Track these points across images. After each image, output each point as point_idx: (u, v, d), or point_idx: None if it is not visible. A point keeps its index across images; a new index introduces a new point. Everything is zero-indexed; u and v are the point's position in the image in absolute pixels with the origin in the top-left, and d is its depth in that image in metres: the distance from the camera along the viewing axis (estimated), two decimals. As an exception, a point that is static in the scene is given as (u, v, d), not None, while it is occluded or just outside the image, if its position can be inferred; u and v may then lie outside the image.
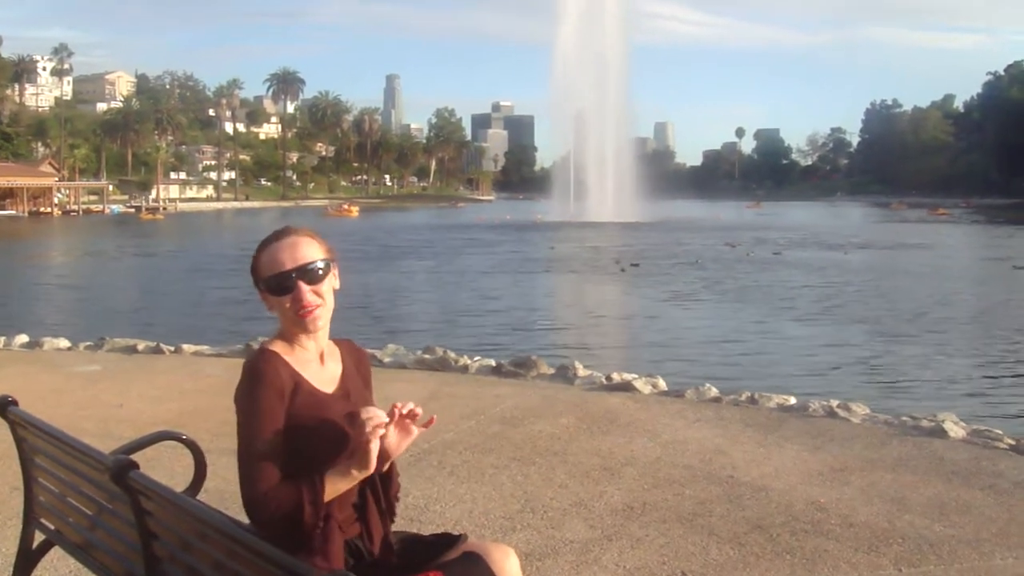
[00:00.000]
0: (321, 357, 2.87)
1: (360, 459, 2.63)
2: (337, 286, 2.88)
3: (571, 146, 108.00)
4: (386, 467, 2.84)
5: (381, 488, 2.86)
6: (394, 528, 3.02)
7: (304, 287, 2.75)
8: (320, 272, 2.79)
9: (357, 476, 2.67)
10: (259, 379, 2.67)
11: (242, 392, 2.69)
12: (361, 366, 3.03)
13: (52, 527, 3.65)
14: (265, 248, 2.82)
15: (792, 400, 8.84)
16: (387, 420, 2.65)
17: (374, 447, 2.61)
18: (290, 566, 2.21)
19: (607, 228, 71.94)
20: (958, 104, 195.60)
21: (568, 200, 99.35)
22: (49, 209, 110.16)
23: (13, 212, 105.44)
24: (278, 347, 2.79)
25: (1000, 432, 7.71)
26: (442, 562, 2.80)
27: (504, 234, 66.63)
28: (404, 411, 2.74)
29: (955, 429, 7.68)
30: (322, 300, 2.79)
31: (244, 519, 2.78)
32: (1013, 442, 7.39)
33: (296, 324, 2.78)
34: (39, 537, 3.76)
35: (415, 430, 2.78)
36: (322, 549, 2.69)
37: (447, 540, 2.91)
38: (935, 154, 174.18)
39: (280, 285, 2.76)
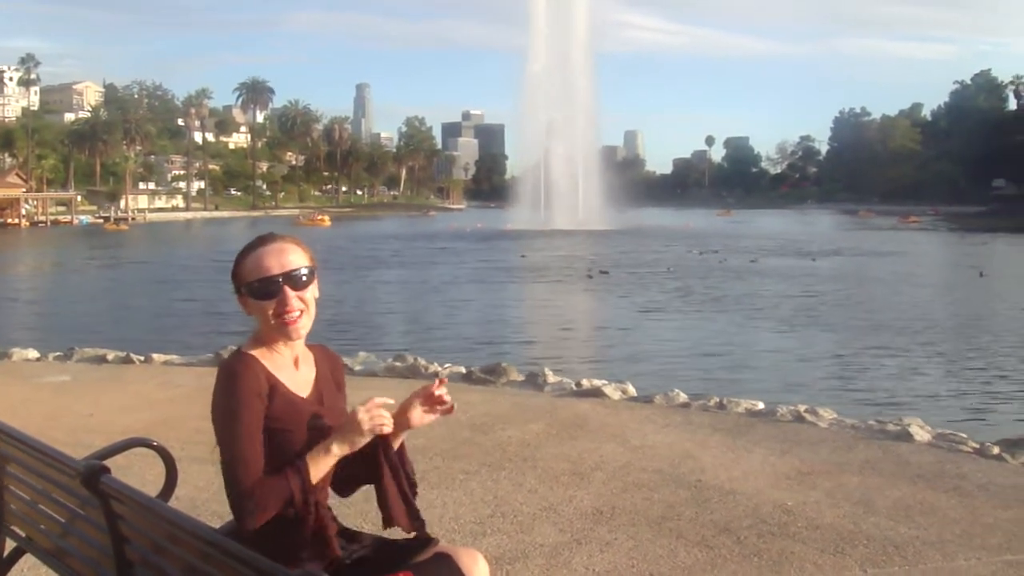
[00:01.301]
0: (296, 362, 2.90)
1: (345, 438, 2.70)
2: (317, 295, 2.91)
3: (540, 154, 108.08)
4: (398, 443, 2.95)
5: (400, 462, 2.95)
6: (366, 532, 3.07)
7: (290, 292, 2.78)
8: (304, 279, 2.82)
9: (338, 454, 2.72)
10: (237, 381, 2.69)
11: (220, 394, 2.70)
12: (335, 371, 3.06)
13: (23, 535, 3.66)
14: (251, 252, 2.83)
15: (760, 405, 8.92)
16: (390, 422, 2.74)
17: (367, 438, 2.72)
18: (261, 566, 2.23)
19: (577, 236, 72.17)
20: (926, 112, 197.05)
21: (538, 208, 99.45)
22: (16, 220, 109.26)
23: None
24: (255, 351, 2.81)
25: (965, 436, 7.82)
26: (413, 563, 2.83)
27: (475, 243, 66.77)
28: (438, 393, 2.89)
29: (921, 433, 7.77)
30: (305, 306, 2.82)
31: (215, 524, 2.81)
32: (977, 445, 7.49)
33: (277, 330, 2.80)
34: (10, 545, 3.77)
35: (434, 417, 2.94)
36: (318, 538, 2.75)
37: (418, 543, 2.94)
38: (903, 162, 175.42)
39: (265, 290, 2.77)
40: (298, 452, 2.74)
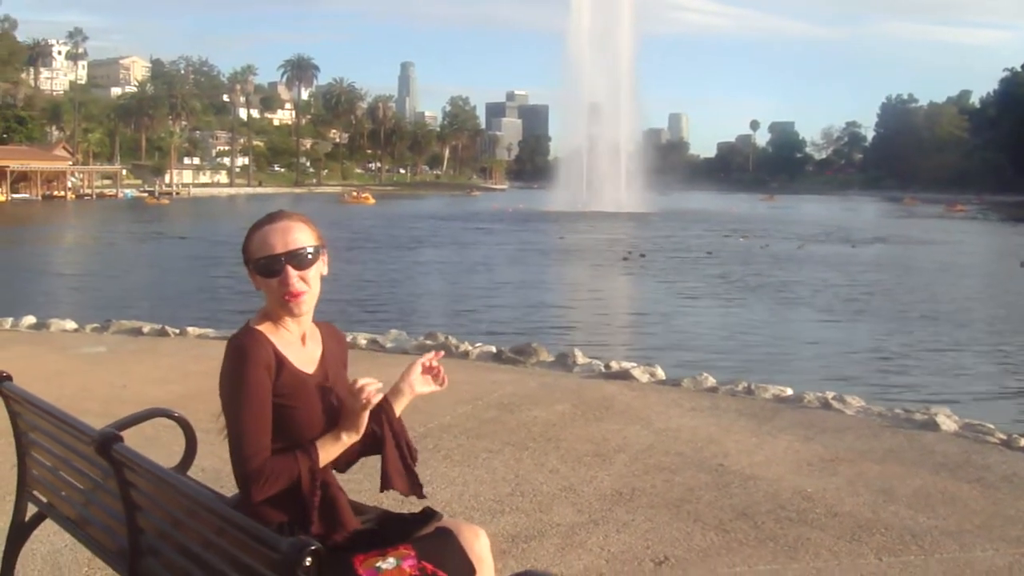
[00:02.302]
0: (303, 339, 2.94)
1: (350, 424, 2.81)
2: (325, 272, 2.94)
3: (583, 136, 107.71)
4: (400, 410, 3.05)
5: (400, 430, 3.05)
6: (381, 507, 3.13)
7: (292, 272, 2.81)
8: (309, 258, 2.85)
9: (347, 441, 2.83)
10: (245, 356, 2.74)
11: (228, 369, 2.76)
12: (340, 349, 3.11)
13: (44, 500, 3.74)
14: (257, 230, 2.87)
15: (788, 391, 8.90)
16: (381, 391, 2.81)
17: (365, 415, 2.80)
18: (259, 534, 2.29)
19: (618, 218, 71.94)
20: (974, 100, 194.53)
21: (580, 190, 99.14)
22: (63, 193, 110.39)
23: (27, 196, 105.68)
24: (262, 326, 2.86)
25: (992, 427, 7.76)
26: (415, 537, 2.88)
27: (515, 223, 66.65)
28: (433, 363, 3.07)
29: (947, 422, 7.73)
30: (308, 286, 2.85)
31: (230, 493, 2.87)
32: (1004, 437, 7.44)
33: (281, 306, 2.85)
34: (32, 510, 3.86)
35: (433, 387, 3.10)
36: (331, 515, 2.81)
37: (421, 517, 2.99)
38: (950, 150, 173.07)
39: (269, 268, 2.82)
40: (303, 428, 2.81)
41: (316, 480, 2.77)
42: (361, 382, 2.76)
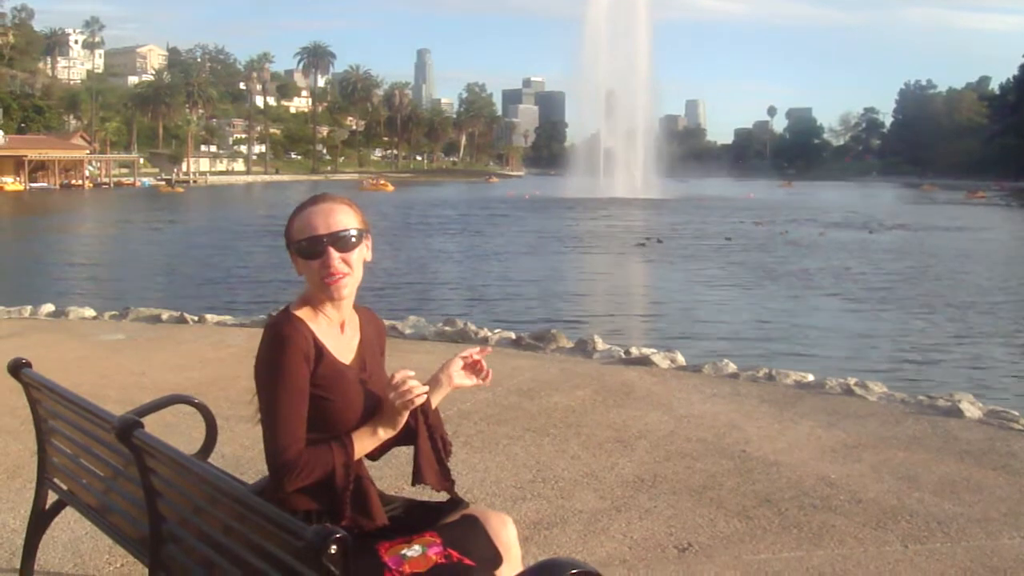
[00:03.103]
0: (342, 326, 2.89)
1: (388, 420, 2.76)
2: (369, 258, 2.89)
3: (600, 122, 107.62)
4: (437, 402, 3.00)
5: (436, 423, 3.00)
6: (404, 495, 3.10)
7: (334, 253, 2.75)
8: (352, 241, 2.79)
9: (383, 437, 2.79)
10: (285, 343, 2.69)
11: (266, 356, 2.70)
12: (379, 336, 3.06)
13: (65, 488, 3.73)
14: (300, 212, 2.82)
15: (810, 377, 8.82)
16: (424, 390, 2.73)
17: (405, 414, 2.75)
18: (282, 522, 2.25)
19: (634, 205, 71.88)
20: (993, 86, 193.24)
21: (597, 176, 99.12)
22: (80, 182, 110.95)
23: (45, 184, 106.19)
24: (302, 312, 2.80)
25: (1016, 414, 7.67)
26: (440, 525, 2.85)
27: (531, 210, 66.63)
28: (476, 357, 3.00)
29: (971, 409, 7.66)
30: (350, 269, 2.79)
31: (251, 480, 2.84)
32: (1029, 423, 7.37)
33: (322, 290, 2.79)
34: (52, 497, 3.84)
35: (475, 381, 3.02)
36: (362, 507, 2.77)
37: (448, 505, 2.96)
38: (969, 136, 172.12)
39: (311, 249, 2.76)
40: (339, 420, 2.76)
41: (350, 474, 2.72)
42: (404, 381, 2.70)
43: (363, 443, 2.76)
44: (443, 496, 3.04)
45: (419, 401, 2.72)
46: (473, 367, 2.99)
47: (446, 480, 3.00)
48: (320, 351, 2.76)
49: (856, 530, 5.13)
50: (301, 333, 2.72)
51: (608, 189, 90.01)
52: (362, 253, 2.84)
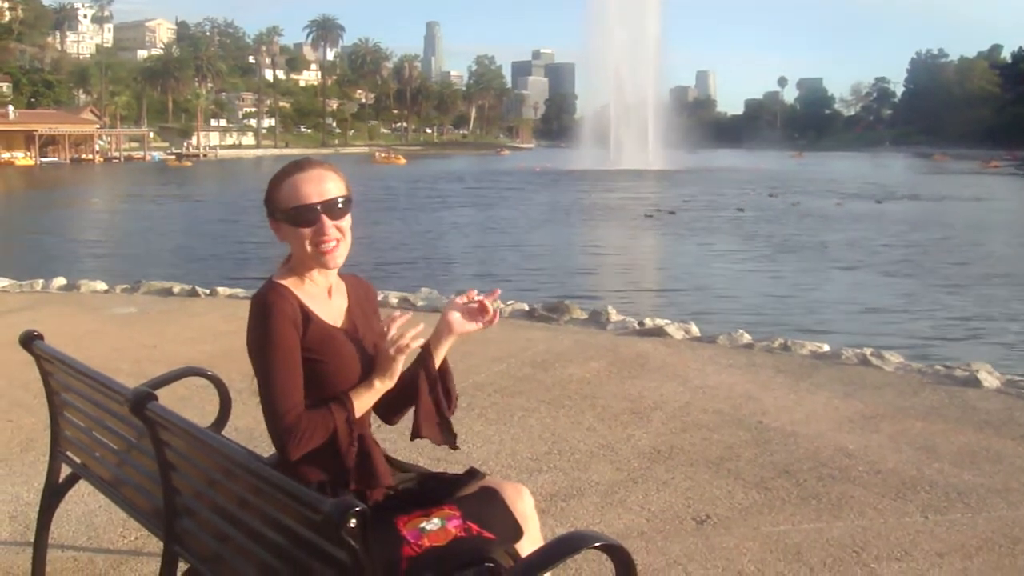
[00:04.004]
0: (329, 292, 2.86)
1: (384, 370, 2.72)
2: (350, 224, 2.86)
3: (609, 94, 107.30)
4: (441, 354, 2.94)
5: (440, 376, 2.95)
6: (421, 467, 3.06)
7: (327, 221, 2.72)
8: (341, 207, 2.76)
9: (381, 389, 2.74)
10: (271, 311, 2.65)
11: (254, 327, 2.67)
12: (368, 299, 3.02)
13: (78, 461, 3.69)
14: (287, 178, 2.77)
15: (826, 347, 8.76)
16: (418, 337, 2.70)
17: (400, 360, 2.70)
18: (300, 495, 2.21)
19: (645, 176, 71.68)
20: (1005, 55, 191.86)
21: (607, 148, 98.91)
22: (91, 156, 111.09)
23: (56, 159, 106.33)
24: (286, 281, 2.77)
25: (1035, 382, 7.62)
26: (458, 497, 2.80)
27: (542, 182, 66.47)
28: (478, 298, 2.92)
29: (989, 379, 7.59)
30: (342, 235, 2.76)
31: (265, 453, 2.80)
32: (1049, 392, 7.30)
33: (314, 258, 2.75)
34: (65, 471, 3.81)
35: (477, 325, 2.94)
36: (364, 468, 2.73)
37: (465, 477, 2.91)
38: (981, 105, 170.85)
39: (303, 217, 2.71)
40: (335, 382, 2.72)
41: (353, 432, 2.69)
42: (395, 325, 2.69)
43: (362, 398, 2.72)
44: (458, 469, 3.00)
45: (414, 345, 2.69)
46: (475, 310, 2.93)
47: (447, 435, 2.96)
48: (308, 315, 2.72)
49: (875, 501, 5.08)
50: (286, 299, 2.69)
51: (618, 161, 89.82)
52: (350, 220, 2.81)
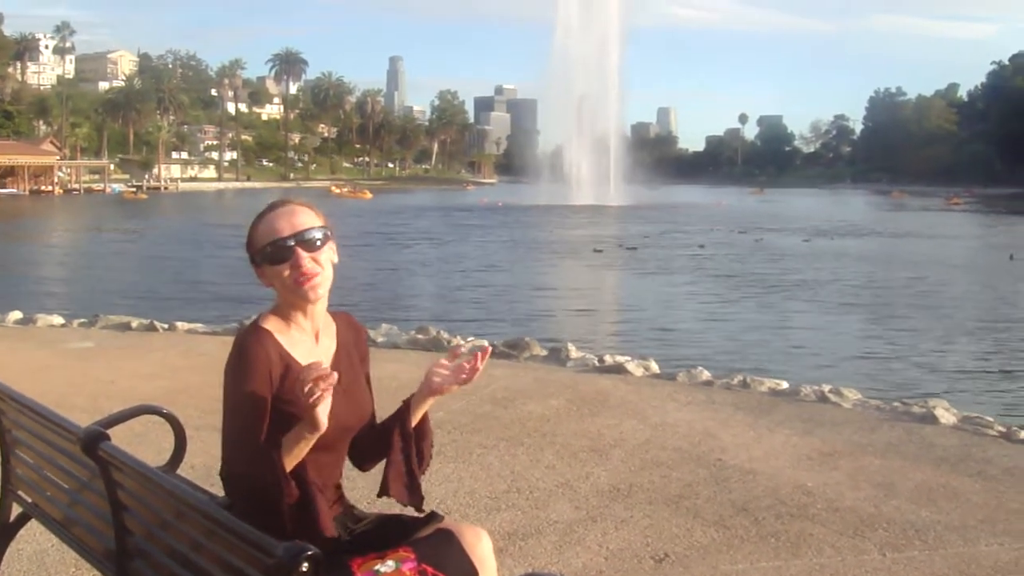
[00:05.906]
0: (316, 336, 2.81)
1: (307, 421, 2.50)
2: (335, 260, 2.80)
3: (571, 130, 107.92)
4: (421, 412, 2.94)
5: (414, 434, 2.92)
6: (377, 507, 3.02)
7: (303, 254, 2.67)
8: (318, 241, 2.71)
9: (310, 438, 2.54)
10: (247, 360, 2.61)
11: (231, 368, 2.63)
12: (358, 342, 2.98)
13: (29, 500, 3.63)
14: (261, 219, 2.74)
15: (784, 384, 8.82)
16: (332, 379, 2.42)
17: (321, 409, 2.46)
18: (252, 538, 2.18)
19: (606, 212, 71.96)
20: (962, 93, 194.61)
21: (568, 184, 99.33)
22: (50, 188, 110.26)
23: (14, 190, 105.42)
24: (271, 324, 2.72)
25: (991, 419, 7.70)
26: (414, 540, 2.77)
27: (504, 217, 66.55)
28: (465, 355, 2.90)
29: (946, 415, 7.66)
30: (321, 268, 2.71)
31: (220, 493, 2.77)
32: (1003, 429, 7.37)
33: (294, 293, 2.70)
34: (17, 510, 3.75)
35: (459, 385, 2.92)
36: (305, 520, 2.65)
37: (422, 520, 2.87)
38: (939, 143, 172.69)
39: (277, 254, 2.67)
40: None
41: (280, 482, 2.55)
42: (304, 374, 2.43)
43: (291, 450, 2.56)
44: (406, 506, 2.97)
45: (327, 396, 2.43)
46: (459, 368, 2.90)
47: (414, 495, 2.92)
48: (288, 365, 2.67)
49: (834, 539, 5.10)
50: (264, 349, 2.64)
51: (579, 196, 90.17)
52: (329, 254, 2.76)
